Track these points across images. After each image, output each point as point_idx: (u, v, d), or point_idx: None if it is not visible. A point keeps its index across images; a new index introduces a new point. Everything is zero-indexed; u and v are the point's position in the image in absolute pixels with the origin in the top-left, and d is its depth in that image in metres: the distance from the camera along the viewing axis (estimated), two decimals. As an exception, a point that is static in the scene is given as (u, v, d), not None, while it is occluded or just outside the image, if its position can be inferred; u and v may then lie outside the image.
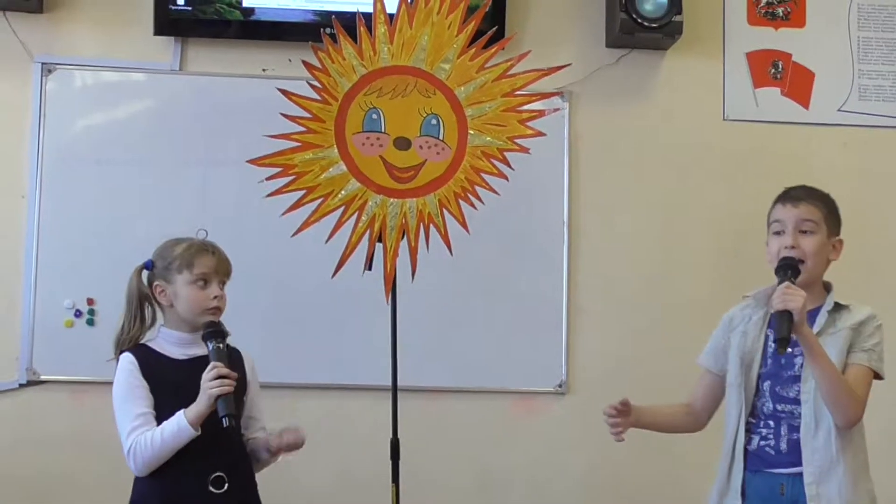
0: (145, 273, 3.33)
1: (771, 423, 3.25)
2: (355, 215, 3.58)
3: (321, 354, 4.72)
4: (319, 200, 3.56)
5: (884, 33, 5.05)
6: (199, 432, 3.09)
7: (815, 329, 3.18)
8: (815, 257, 3.23)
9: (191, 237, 3.35)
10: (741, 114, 4.99)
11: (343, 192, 3.58)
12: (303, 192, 3.54)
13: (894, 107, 5.04)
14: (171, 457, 3.12)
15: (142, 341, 3.29)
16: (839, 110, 5.03)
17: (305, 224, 3.54)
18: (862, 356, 3.18)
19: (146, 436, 3.12)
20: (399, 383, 3.70)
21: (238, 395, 3.26)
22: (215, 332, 3.19)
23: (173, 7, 4.68)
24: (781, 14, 5.03)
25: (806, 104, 5.02)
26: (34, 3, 4.67)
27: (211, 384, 3.08)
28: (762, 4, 5.03)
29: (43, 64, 4.72)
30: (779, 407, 3.23)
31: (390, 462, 3.66)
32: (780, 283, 3.13)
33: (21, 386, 4.64)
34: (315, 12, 4.72)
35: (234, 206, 4.67)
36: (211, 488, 3.16)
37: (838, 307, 3.24)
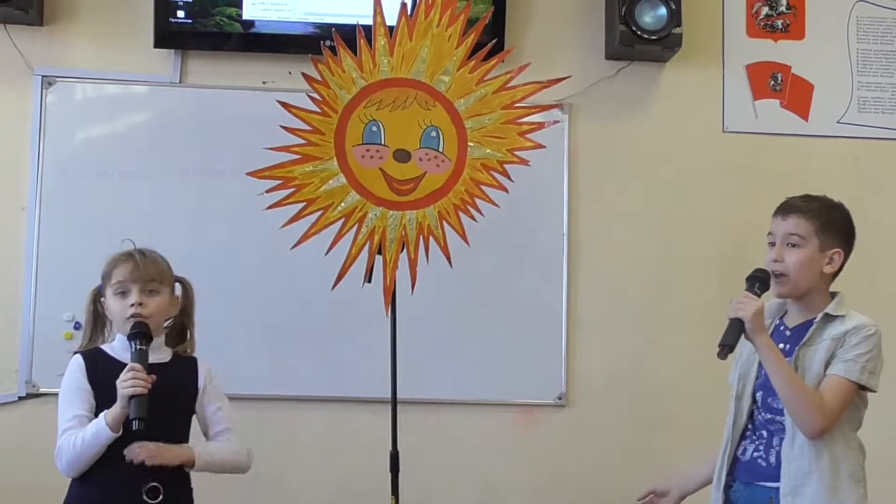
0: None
1: (764, 433, 3.24)
2: (355, 227, 3.59)
3: (321, 367, 4.71)
4: (319, 213, 3.56)
5: (883, 45, 5.06)
6: (119, 434, 3.05)
7: (802, 340, 3.19)
8: (798, 272, 3.20)
9: (120, 250, 3.34)
10: (741, 126, 5.00)
11: (343, 204, 3.58)
12: (302, 205, 3.55)
13: (894, 119, 5.04)
14: (108, 462, 3.10)
15: (100, 346, 3.30)
16: (838, 122, 5.03)
17: (305, 236, 3.54)
18: (839, 367, 3.13)
19: (71, 437, 3.12)
20: (399, 395, 3.70)
21: (184, 403, 3.29)
22: (137, 333, 3.15)
23: (173, 20, 4.68)
24: (781, 26, 5.04)
25: (805, 116, 5.02)
26: (34, 15, 4.67)
27: (125, 383, 3.05)
28: (761, 17, 5.03)
29: (43, 76, 4.72)
30: (768, 416, 3.22)
31: (390, 475, 3.66)
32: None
33: (20, 398, 4.63)
34: (315, 25, 4.73)
35: (234, 218, 4.66)
36: (145, 497, 3.13)
37: (829, 317, 3.21)
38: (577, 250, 4.85)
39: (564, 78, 3.86)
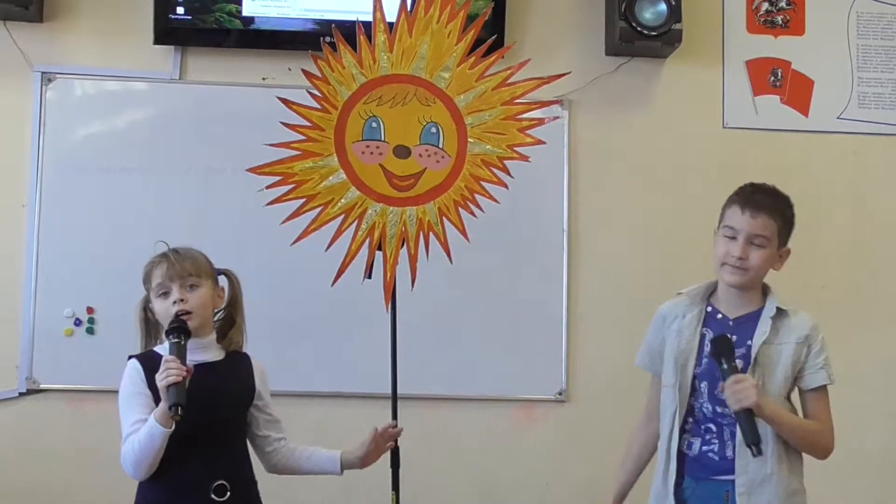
0: None
1: (713, 427, 3.21)
2: (355, 223, 3.58)
3: (321, 362, 4.72)
4: (319, 209, 3.56)
5: (883, 41, 5.06)
6: (171, 429, 3.03)
7: (761, 338, 3.18)
8: (759, 270, 3.21)
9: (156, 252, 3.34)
10: (741, 121, 5.00)
11: (343, 200, 3.58)
12: (302, 201, 3.54)
13: (893, 114, 5.05)
14: (175, 463, 3.10)
15: (153, 348, 3.30)
16: (838, 118, 5.04)
17: (305, 232, 3.54)
18: (820, 376, 3.17)
19: (131, 440, 3.11)
20: (399, 391, 3.69)
21: (243, 401, 3.32)
22: (174, 328, 3.14)
23: (173, 16, 4.69)
24: (781, 22, 5.04)
25: (805, 112, 5.03)
26: (34, 12, 4.67)
27: (160, 376, 3.03)
28: (761, 12, 5.03)
29: (43, 73, 4.73)
30: (718, 409, 3.19)
31: (390, 470, 3.66)
32: (722, 374, 3.08)
33: (21, 395, 4.64)
34: (315, 21, 4.73)
35: (234, 214, 4.67)
36: (213, 496, 3.14)
37: (780, 312, 3.21)
38: (577, 246, 4.85)
39: (564, 74, 3.86)
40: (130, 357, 3.27)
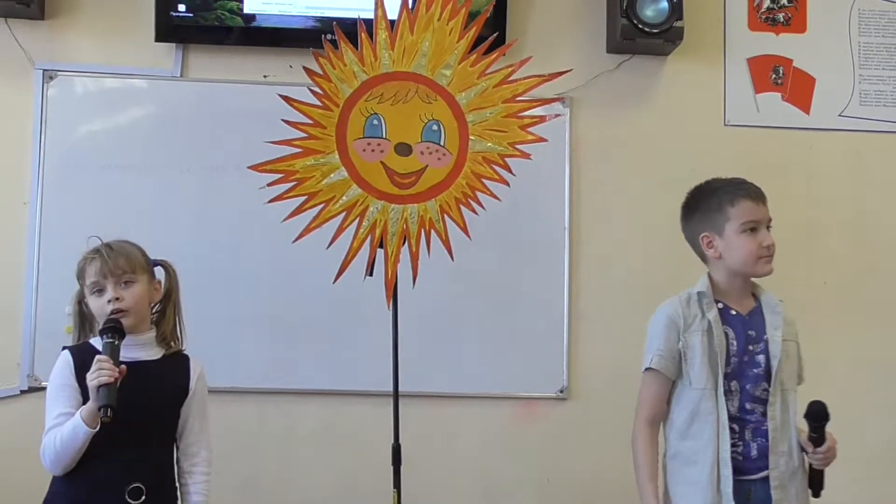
0: None
1: (735, 427, 3.22)
2: (356, 221, 3.59)
3: (323, 360, 4.71)
4: (320, 206, 3.56)
5: (884, 38, 5.06)
6: (95, 429, 3.01)
7: (778, 333, 3.26)
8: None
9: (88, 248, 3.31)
10: (742, 119, 5.00)
11: (344, 197, 3.58)
12: (304, 198, 3.55)
13: (895, 112, 5.04)
14: (92, 461, 3.07)
15: (88, 340, 3.27)
16: (840, 115, 5.03)
17: (307, 230, 3.54)
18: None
19: (54, 435, 3.09)
20: (400, 389, 3.70)
21: (174, 402, 3.26)
22: (108, 328, 3.10)
23: (174, 13, 4.69)
24: (782, 19, 5.03)
25: (807, 109, 5.02)
26: (35, 10, 4.67)
27: (92, 374, 3.01)
28: (763, 10, 5.03)
29: (44, 70, 4.72)
30: (748, 406, 3.23)
31: (392, 468, 3.66)
32: (816, 441, 3.23)
33: (22, 392, 4.64)
34: (316, 19, 4.73)
35: (236, 212, 4.66)
36: (128, 498, 3.10)
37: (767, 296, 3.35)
38: (578, 243, 4.85)
39: (566, 71, 3.86)
40: (64, 348, 3.25)
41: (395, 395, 3.69)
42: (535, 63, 3.72)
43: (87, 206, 4.67)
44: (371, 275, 3.60)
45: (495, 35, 3.76)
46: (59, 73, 4.74)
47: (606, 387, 4.79)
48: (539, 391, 4.83)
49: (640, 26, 4.68)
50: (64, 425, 3.08)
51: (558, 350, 4.80)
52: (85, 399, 3.10)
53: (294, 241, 3.54)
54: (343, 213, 3.58)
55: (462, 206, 3.65)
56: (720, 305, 3.32)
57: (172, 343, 3.32)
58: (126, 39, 4.80)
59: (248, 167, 3.51)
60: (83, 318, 3.32)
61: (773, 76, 5.01)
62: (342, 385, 4.72)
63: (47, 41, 4.77)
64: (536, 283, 4.80)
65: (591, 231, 4.87)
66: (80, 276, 3.25)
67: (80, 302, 3.31)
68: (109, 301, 3.17)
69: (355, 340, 4.66)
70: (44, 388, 4.51)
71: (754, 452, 3.21)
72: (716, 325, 3.27)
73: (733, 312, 3.30)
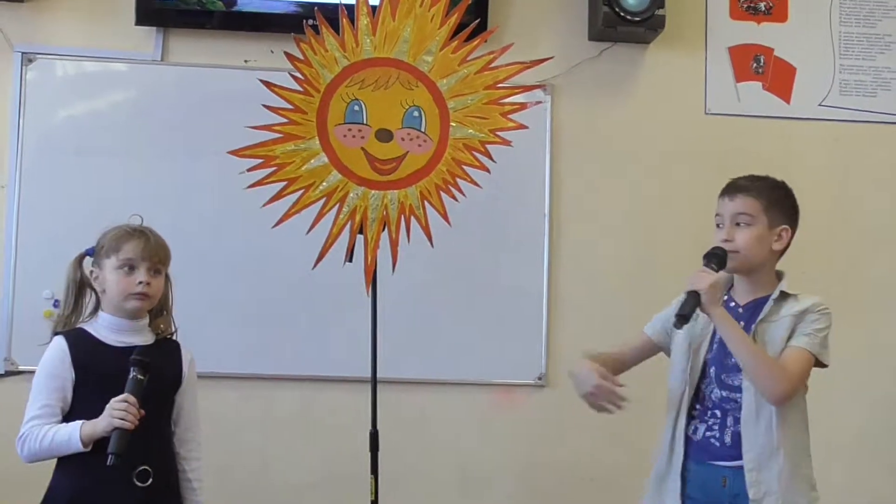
0: (89, 260, 3.29)
1: (717, 413, 3.25)
2: (336, 207, 3.59)
3: (301, 346, 4.71)
4: (300, 192, 3.56)
5: (865, 28, 5.07)
6: (88, 449, 3.05)
7: (760, 316, 3.22)
8: (749, 249, 3.25)
9: (126, 223, 3.29)
10: (723, 108, 5.00)
11: (324, 183, 3.58)
12: (284, 184, 3.55)
13: (875, 102, 5.06)
14: (97, 448, 3.06)
15: (80, 325, 3.25)
16: (820, 105, 5.04)
17: (286, 215, 3.54)
18: (801, 339, 3.18)
19: (40, 431, 3.10)
20: (379, 375, 3.70)
21: (169, 389, 3.27)
22: (140, 362, 3.10)
23: (155, -3, 4.68)
24: (763, 8, 5.04)
25: (787, 99, 5.03)
26: (14, -8, 4.65)
27: (116, 412, 3.02)
28: (744, -1, 5.05)
29: (23, 53, 4.70)
30: (724, 394, 3.23)
31: (369, 454, 3.66)
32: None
33: (-1, 376, 4.63)
34: (298, 4, 4.71)
35: (215, 196, 4.66)
36: (136, 481, 3.11)
37: (784, 296, 3.25)
38: (558, 230, 4.85)
39: (547, 59, 3.86)
40: (56, 333, 3.24)
41: (374, 381, 3.70)
42: (517, 50, 3.72)
43: (65, 190, 4.66)
44: (350, 261, 3.60)
45: (477, 22, 3.76)
46: (39, 56, 4.72)
47: (585, 374, 4.81)
48: (517, 378, 4.84)
49: (621, 14, 4.68)
50: (53, 425, 3.10)
51: (537, 337, 4.81)
52: (78, 384, 3.13)
53: (273, 227, 3.54)
54: (323, 199, 3.58)
55: (442, 193, 3.66)
56: (726, 296, 3.33)
57: (162, 326, 3.34)
58: (106, 22, 4.77)
59: (228, 152, 3.50)
60: (81, 285, 3.28)
61: (754, 65, 5.02)
62: (320, 371, 4.72)
63: (26, 23, 4.74)
64: (516, 269, 4.81)
65: (570, 218, 4.88)
66: (113, 248, 3.21)
67: (81, 268, 3.28)
68: (140, 283, 3.18)
69: (334, 326, 4.66)
70: (21, 373, 4.56)
71: (728, 439, 3.21)
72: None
73: (732, 304, 3.32)
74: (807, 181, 4.94)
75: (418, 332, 4.73)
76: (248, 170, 3.50)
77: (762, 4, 5.04)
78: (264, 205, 3.51)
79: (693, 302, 3.15)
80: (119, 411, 3.02)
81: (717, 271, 3.20)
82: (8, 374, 4.61)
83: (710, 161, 4.91)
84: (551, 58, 4.02)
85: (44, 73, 4.72)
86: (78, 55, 4.76)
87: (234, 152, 3.50)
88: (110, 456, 2.99)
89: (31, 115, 4.68)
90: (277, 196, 3.53)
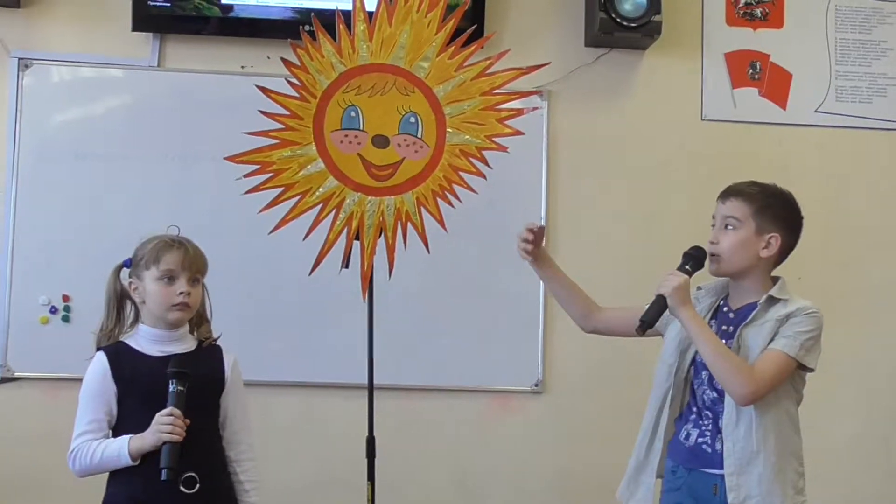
0: (126, 271, 3.29)
1: (709, 414, 3.24)
2: (333, 213, 3.58)
3: (297, 352, 4.71)
4: (297, 198, 3.56)
5: (861, 35, 5.08)
6: (137, 463, 3.08)
7: (747, 321, 3.21)
8: (732, 253, 3.24)
9: (165, 233, 3.31)
10: (719, 114, 5.01)
11: (321, 189, 3.58)
12: (280, 190, 3.54)
13: (870, 108, 5.07)
14: (144, 457, 3.09)
15: (121, 338, 3.26)
16: (816, 111, 5.05)
17: (283, 221, 3.54)
18: (779, 342, 3.14)
19: (90, 446, 3.12)
20: (375, 381, 3.70)
21: (213, 393, 3.28)
22: (177, 373, 3.12)
23: (151, 3, 4.67)
24: (760, 15, 5.05)
25: (783, 105, 5.04)
26: (11, -3, 4.65)
27: (163, 427, 3.05)
28: (741, 5, 5.04)
29: (20, 59, 4.70)
30: (714, 396, 3.22)
31: (366, 460, 3.66)
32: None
33: (-5, 383, 4.62)
34: (294, 9, 4.71)
35: (212, 202, 4.65)
36: (182, 488, 3.12)
37: (772, 300, 3.23)
38: (555, 237, 4.84)
39: (544, 65, 3.86)
40: (99, 349, 3.24)
41: (370, 387, 3.69)
42: (513, 56, 3.72)
43: (61, 196, 4.66)
44: (347, 267, 3.60)
45: (473, 28, 3.75)
46: (35, 61, 4.72)
47: (581, 381, 4.81)
48: (514, 385, 4.84)
49: (618, 20, 4.69)
50: (105, 444, 3.13)
51: (534, 344, 4.81)
52: (119, 399, 3.16)
53: (270, 233, 3.53)
54: (319, 205, 3.57)
55: (439, 199, 3.65)
56: (722, 301, 3.34)
57: (202, 331, 3.37)
58: (103, 28, 4.78)
59: (225, 158, 3.50)
60: (122, 299, 3.29)
61: (751, 71, 5.03)
62: (317, 377, 4.72)
63: (23, 29, 4.74)
64: (513, 276, 4.78)
65: (567, 225, 4.88)
66: (154, 259, 3.22)
67: (119, 280, 3.28)
68: (181, 293, 3.20)
69: (330, 333, 4.66)
70: (17, 379, 4.55)
71: (719, 446, 3.20)
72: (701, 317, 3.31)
73: (725, 308, 3.32)
74: (803, 187, 4.93)
75: (415, 338, 4.73)
76: (245, 175, 3.50)
77: (758, 11, 5.05)
78: (261, 211, 3.51)
79: (658, 306, 3.18)
80: (166, 426, 3.05)
81: (691, 272, 3.22)
82: (4, 380, 4.60)
83: (706, 167, 4.92)
84: (548, 64, 4.01)
85: (40, 78, 4.72)
86: (74, 61, 4.76)
87: (230, 158, 3.50)
88: (164, 471, 3.02)
89: (28, 120, 4.68)
90: (274, 202, 3.53)
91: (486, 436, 4.82)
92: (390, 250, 3.61)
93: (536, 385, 4.83)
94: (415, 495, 4.73)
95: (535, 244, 3.48)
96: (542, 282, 3.69)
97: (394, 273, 3.62)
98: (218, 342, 3.39)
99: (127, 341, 3.25)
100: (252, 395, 4.63)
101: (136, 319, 3.30)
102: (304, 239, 3.54)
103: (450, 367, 4.77)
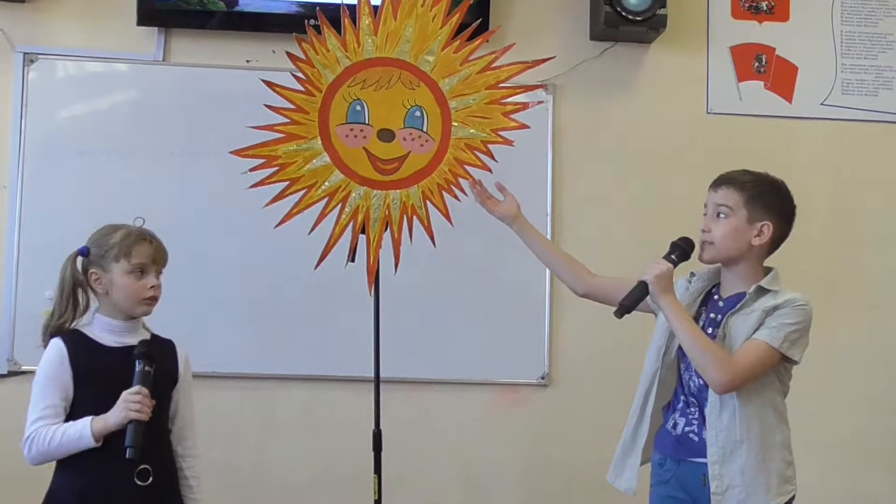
0: (80, 259, 3.25)
1: (695, 402, 3.24)
2: (338, 207, 3.58)
3: (304, 346, 4.71)
4: (303, 192, 3.56)
5: (867, 28, 5.07)
6: (100, 444, 3.05)
7: (734, 309, 3.20)
8: (723, 241, 3.24)
9: (128, 224, 3.27)
10: (724, 107, 5.00)
11: (326, 183, 3.58)
12: (286, 184, 3.54)
13: (876, 101, 5.06)
14: (96, 450, 3.06)
15: (76, 326, 3.23)
16: (822, 104, 5.04)
17: (288, 215, 3.54)
18: (763, 332, 3.14)
19: (48, 430, 3.09)
20: (381, 375, 3.70)
21: (166, 387, 3.26)
22: (145, 353, 3.11)
23: (157, -3, 4.68)
24: (765, 8, 5.04)
25: (789, 98, 5.03)
26: (16, -8, 4.66)
27: (131, 405, 3.03)
28: (746, -2, 5.05)
29: (25, 54, 4.70)
30: (700, 383, 3.21)
31: (372, 453, 3.66)
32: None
33: (2, 376, 4.62)
34: (299, 4, 4.71)
35: (217, 196, 4.65)
36: (136, 481, 3.10)
37: (762, 290, 3.22)
38: (560, 230, 4.85)
39: (549, 58, 3.85)
40: (54, 335, 3.20)
41: (377, 380, 3.70)
42: (519, 50, 3.72)
43: (67, 190, 4.67)
44: (353, 261, 3.60)
45: (479, 21, 3.75)
46: (40, 56, 4.72)
47: (587, 374, 4.81)
48: (520, 378, 4.84)
49: (623, 14, 4.69)
50: (61, 424, 3.09)
51: (540, 337, 4.81)
52: (77, 387, 3.12)
53: (276, 227, 3.54)
54: (325, 199, 3.58)
55: (444, 193, 3.65)
56: (714, 288, 3.35)
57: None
58: (108, 23, 4.78)
59: (231, 152, 3.50)
60: (74, 284, 3.24)
61: (756, 64, 5.02)
62: (323, 371, 4.72)
63: (28, 24, 4.74)
64: (518, 269, 4.79)
65: (572, 217, 4.88)
66: (124, 251, 3.18)
67: (84, 269, 3.24)
68: (152, 287, 3.20)
69: (337, 326, 4.66)
70: (24, 373, 4.56)
71: (704, 434, 3.20)
72: (689, 298, 3.34)
73: (716, 296, 3.32)
74: (808, 180, 4.97)
75: (421, 331, 4.73)
76: (251, 170, 3.50)
77: (764, 4, 5.04)
78: (266, 205, 3.51)
79: (639, 292, 3.20)
80: (134, 403, 3.03)
81: (676, 262, 3.24)
82: (11, 374, 4.61)
83: (711, 160, 4.89)
84: (553, 57, 4.01)
85: (45, 73, 4.72)
86: (79, 55, 4.76)
87: (236, 152, 3.50)
88: (128, 449, 3.00)
89: (33, 115, 4.69)
90: (280, 196, 3.53)
91: (492, 429, 4.83)
92: (396, 244, 3.62)
93: (543, 378, 4.83)
94: (421, 488, 4.74)
95: (483, 195, 3.61)
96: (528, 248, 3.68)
97: (399, 267, 3.62)
98: (170, 336, 3.37)
99: (83, 330, 3.22)
100: (258, 389, 4.67)
101: (87, 308, 3.26)
102: (309, 233, 3.54)
103: (456, 361, 4.78)
